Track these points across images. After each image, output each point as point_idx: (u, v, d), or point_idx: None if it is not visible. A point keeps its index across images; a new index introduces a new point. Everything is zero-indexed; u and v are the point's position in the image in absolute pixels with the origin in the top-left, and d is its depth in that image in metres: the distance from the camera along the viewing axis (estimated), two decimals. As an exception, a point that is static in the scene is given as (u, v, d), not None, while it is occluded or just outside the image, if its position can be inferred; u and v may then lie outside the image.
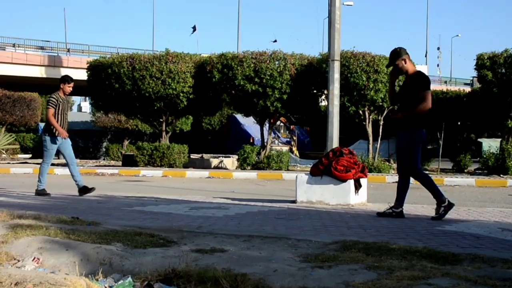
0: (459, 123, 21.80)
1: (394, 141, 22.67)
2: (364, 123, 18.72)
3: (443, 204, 6.09)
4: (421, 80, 6.08)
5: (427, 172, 18.28)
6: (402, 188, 6.37)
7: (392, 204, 6.30)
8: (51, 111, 8.33)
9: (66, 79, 8.58)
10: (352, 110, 18.03)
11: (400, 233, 4.91)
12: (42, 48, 37.67)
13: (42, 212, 5.52)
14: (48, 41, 39.06)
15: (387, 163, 18.33)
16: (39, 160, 26.27)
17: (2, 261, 3.47)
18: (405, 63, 6.12)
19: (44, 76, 34.85)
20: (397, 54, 6.15)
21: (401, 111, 6.33)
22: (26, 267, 3.37)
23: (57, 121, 8.34)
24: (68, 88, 8.55)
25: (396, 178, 15.11)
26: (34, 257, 3.55)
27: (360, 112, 18.42)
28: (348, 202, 7.18)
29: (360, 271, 3.14)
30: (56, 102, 8.40)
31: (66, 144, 8.51)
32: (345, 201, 7.18)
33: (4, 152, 25.00)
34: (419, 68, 6.82)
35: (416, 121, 6.12)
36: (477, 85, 22.99)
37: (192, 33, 45.82)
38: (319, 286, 2.92)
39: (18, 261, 3.53)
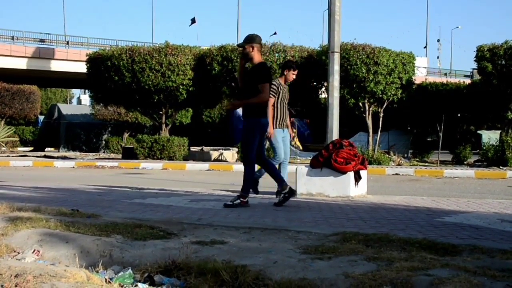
0: (459, 115, 21.78)
1: (394, 133, 22.73)
2: (364, 115, 18.71)
3: (283, 191, 6.29)
4: (263, 71, 6.20)
5: (426, 164, 18.30)
6: (247, 176, 6.35)
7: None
8: (272, 100, 7.15)
9: (291, 65, 7.54)
10: (352, 102, 18.02)
11: (400, 225, 4.91)
12: (41, 40, 37.57)
13: (42, 204, 5.52)
14: (47, 33, 38.97)
15: (387, 155, 18.34)
16: (39, 153, 26.27)
17: (2, 253, 3.48)
18: (252, 50, 6.16)
19: (44, 69, 34.78)
20: (250, 39, 6.22)
21: (239, 100, 6.50)
22: (26, 259, 3.38)
23: (276, 112, 7.27)
24: (292, 75, 7.48)
25: (396, 169, 15.16)
26: (34, 249, 3.56)
27: (360, 104, 18.41)
28: (348, 194, 7.18)
29: (360, 262, 3.14)
30: (276, 90, 7.26)
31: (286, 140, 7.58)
32: (345, 193, 7.18)
33: (3, 145, 25.00)
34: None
35: (254, 110, 6.18)
36: (477, 77, 22.96)
37: (191, 24, 45.67)
38: (319, 277, 2.92)
39: (18, 253, 3.54)
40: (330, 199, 7.03)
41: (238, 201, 6.24)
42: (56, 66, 34.65)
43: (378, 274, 2.87)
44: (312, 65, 18.26)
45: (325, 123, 8.65)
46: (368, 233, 4.04)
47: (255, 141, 6.22)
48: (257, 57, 6.20)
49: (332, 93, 8.29)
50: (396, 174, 14.76)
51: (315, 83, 19.56)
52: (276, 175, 6.44)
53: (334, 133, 8.42)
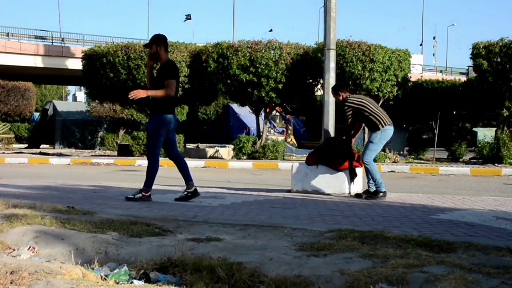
0: (454, 112, 21.81)
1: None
2: (360, 112, 18.72)
3: (188, 189, 6.45)
4: (170, 68, 6.38)
5: (422, 161, 18.33)
6: (150, 171, 6.53)
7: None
8: None
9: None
10: (347, 99, 18.02)
11: (395, 222, 4.93)
12: (38, 37, 37.43)
13: (38, 201, 5.51)
14: (42, 30, 38.84)
15: (383, 152, 18.36)
16: (35, 150, 26.11)
17: (-3, 250, 3.47)
18: (160, 50, 6.35)
19: (39, 65, 34.66)
20: (158, 39, 6.41)
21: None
22: (22, 256, 3.37)
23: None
24: None
25: (391, 167, 15.19)
26: (29, 246, 3.55)
27: (356, 101, 18.41)
28: (344, 191, 7.19)
29: (355, 260, 3.15)
30: None
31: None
32: (341, 190, 7.19)
33: (-2, 141, 24.93)
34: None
35: (158, 107, 6.34)
36: (472, 74, 22.98)
37: (186, 20, 45.53)
38: (315, 274, 2.93)
39: (14, 250, 3.53)
40: (325, 196, 7.05)
41: (140, 195, 6.40)
42: (51, 62, 34.52)
43: (373, 271, 2.87)
44: (308, 62, 18.25)
45: (320, 120, 8.65)
46: (364, 230, 4.05)
47: (159, 136, 6.40)
48: (164, 56, 6.41)
49: (328, 90, 8.27)
50: (392, 171, 14.80)
51: (310, 80, 19.55)
52: (186, 173, 6.57)
53: (330, 130, 8.41)
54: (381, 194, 6.97)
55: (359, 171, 7.47)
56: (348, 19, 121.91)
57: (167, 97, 6.24)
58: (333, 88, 7.61)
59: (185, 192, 6.49)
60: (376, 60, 17.47)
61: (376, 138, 7.18)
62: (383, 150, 19.30)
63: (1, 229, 3.86)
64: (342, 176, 7.21)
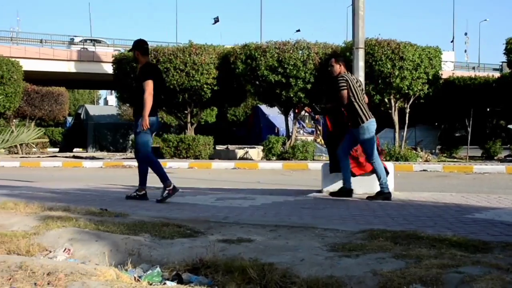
0: (488, 109, 21.38)
1: (421, 128, 22.44)
2: (390, 111, 18.52)
3: (168, 188, 6.50)
4: (143, 70, 6.65)
5: (455, 160, 18.03)
6: (142, 172, 6.80)
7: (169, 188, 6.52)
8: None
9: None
10: (377, 98, 17.85)
11: (429, 222, 4.85)
12: (69, 43, 38.16)
13: (72, 204, 5.61)
14: (74, 36, 39.57)
15: (414, 151, 18.13)
16: (68, 154, 26.63)
17: (34, 252, 3.54)
18: (138, 54, 6.72)
19: (71, 71, 35.33)
20: (134, 45, 6.80)
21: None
22: (58, 258, 3.43)
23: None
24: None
25: (423, 166, 14.99)
26: (65, 248, 3.62)
27: (386, 100, 18.23)
28: (375, 191, 7.11)
29: (388, 260, 3.11)
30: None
31: None
32: (372, 190, 7.11)
33: (34, 146, 25.47)
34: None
35: (148, 106, 6.52)
36: (506, 70, 22.52)
37: (214, 23, 45.80)
38: (347, 275, 2.91)
39: (50, 252, 3.60)
40: (357, 196, 6.99)
41: (135, 193, 6.71)
42: (83, 67, 35.14)
43: (407, 272, 2.84)
44: (337, 62, 18.13)
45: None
46: (396, 230, 4.00)
47: (146, 137, 6.62)
48: (142, 59, 6.73)
49: (358, 89, 8.21)
50: (424, 170, 14.59)
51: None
52: (143, 177, 6.82)
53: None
54: (383, 195, 6.62)
55: (391, 168, 7.33)
56: (376, 17, 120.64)
57: (147, 97, 6.47)
58: (334, 56, 7.11)
59: (166, 191, 6.54)
60: (406, 58, 17.26)
61: (367, 132, 6.71)
62: (414, 149, 19.08)
63: (38, 231, 3.94)
64: (373, 176, 7.13)
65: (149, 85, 6.50)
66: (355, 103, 6.65)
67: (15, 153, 24.52)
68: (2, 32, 39.85)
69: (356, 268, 3.00)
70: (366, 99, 7.01)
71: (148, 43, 7.04)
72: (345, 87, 6.60)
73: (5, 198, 6.08)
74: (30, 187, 8.46)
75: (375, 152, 6.75)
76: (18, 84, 23.89)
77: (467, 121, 17.74)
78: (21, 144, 23.04)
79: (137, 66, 6.99)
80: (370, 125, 6.71)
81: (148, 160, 6.74)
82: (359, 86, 6.82)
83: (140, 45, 6.75)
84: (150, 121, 6.57)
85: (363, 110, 6.69)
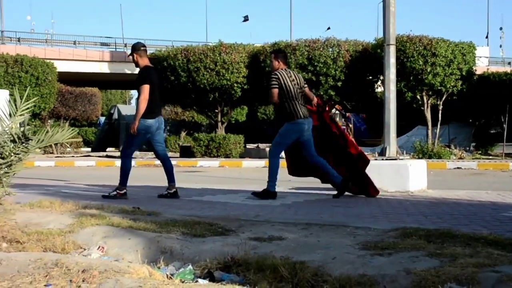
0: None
1: (454, 126, 22.05)
2: (422, 108, 18.27)
3: (169, 190, 6.78)
4: (141, 74, 6.69)
5: (490, 157, 17.65)
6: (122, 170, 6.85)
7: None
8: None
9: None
10: (409, 95, 17.63)
11: (463, 220, 4.77)
12: (103, 44, 38.77)
13: (105, 202, 5.70)
14: (107, 37, 40.21)
15: (448, 148, 17.83)
16: (101, 153, 27.10)
17: (69, 249, 3.61)
18: (137, 57, 6.73)
19: (104, 71, 35.90)
20: (133, 48, 6.81)
21: None
22: (92, 255, 3.49)
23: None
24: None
25: (457, 163, 14.73)
26: (99, 246, 3.67)
27: (418, 97, 17.98)
28: (408, 189, 7.03)
29: (421, 258, 3.06)
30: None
31: None
32: (404, 188, 7.03)
33: (68, 145, 25.97)
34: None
35: (141, 111, 6.56)
36: (543, 65, 21.92)
37: (244, 21, 45.87)
38: (379, 273, 2.87)
39: (84, 249, 3.66)
40: (389, 194, 6.91)
41: (115, 192, 6.68)
42: (115, 68, 35.66)
43: (441, 271, 2.78)
44: (367, 59, 17.98)
45: (381, 117, 8.49)
46: (430, 229, 3.94)
47: (134, 137, 6.74)
48: (141, 62, 6.75)
49: (389, 86, 8.12)
50: (458, 168, 14.34)
51: (370, 77, 19.25)
52: (170, 174, 6.97)
53: (391, 127, 8.25)
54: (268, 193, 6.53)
55: (421, 166, 7.22)
56: (408, 13, 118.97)
57: (142, 102, 6.54)
58: (274, 52, 6.98)
59: (166, 192, 6.78)
60: (439, 54, 16.99)
61: (284, 129, 6.63)
62: (448, 146, 18.76)
63: (73, 229, 4.02)
64: (405, 174, 7.05)
65: (144, 90, 6.55)
66: (286, 103, 6.52)
67: (50, 153, 25.04)
68: (38, 35, 40.72)
69: (389, 267, 2.96)
70: (314, 99, 6.88)
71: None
72: (276, 86, 6.47)
73: (41, 196, 6.22)
74: (65, 186, 8.64)
75: (278, 150, 6.80)
76: (52, 85, 24.39)
77: (503, 117, 17.36)
78: (55, 144, 23.51)
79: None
80: (297, 124, 6.53)
81: (126, 157, 6.88)
82: (296, 84, 6.59)
83: (138, 48, 6.78)
84: (148, 124, 6.64)
85: (295, 109, 6.51)
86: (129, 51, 6.99)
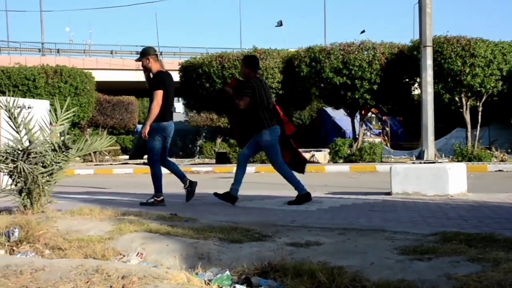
0: None
1: (495, 127, 21.53)
2: (461, 110, 17.90)
3: (156, 197, 6.77)
4: (156, 79, 6.68)
5: None
6: (153, 177, 6.92)
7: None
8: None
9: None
10: (447, 97, 17.30)
11: (506, 224, 4.65)
12: (136, 53, 39.42)
13: (143, 209, 5.79)
14: (142, 46, 40.88)
15: (488, 151, 17.41)
16: (139, 161, 27.59)
17: (109, 256, 3.67)
18: (149, 62, 6.70)
19: (140, 79, 36.43)
20: (144, 52, 6.78)
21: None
22: (131, 262, 3.54)
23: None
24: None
25: (499, 166, 14.38)
26: (137, 252, 3.72)
27: (456, 99, 17.63)
28: (447, 193, 6.89)
29: (462, 263, 3.00)
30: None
31: None
32: (444, 192, 6.90)
33: (106, 153, 26.46)
34: None
35: (153, 116, 6.60)
36: None
37: (277, 26, 45.99)
38: (419, 278, 2.83)
39: (123, 256, 3.72)
40: (427, 198, 6.79)
41: (152, 200, 6.77)
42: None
43: (483, 276, 2.72)
44: (403, 61, 17.74)
45: (419, 120, 8.38)
46: (471, 233, 3.85)
47: (154, 142, 6.73)
48: (154, 67, 6.74)
49: (426, 88, 8.02)
50: (499, 170, 13.99)
51: (407, 80, 18.99)
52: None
53: (429, 130, 8.13)
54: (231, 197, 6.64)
55: (462, 167, 7.07)
56: (444, 14, 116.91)
57: (155, 107, 6.58)
58: (245, 59, 6.87)
59: (152, 199, 6.82)
60: (478, 55, 16.63)
61: (269, 138, 6.58)
62: (489, 148, 18.32)
63: (112, 236, 4.09)
64: (444, 177, 6.92)
65: (158, 95, 6.59)
66: (260, 111, 6.52)
67: (89, 161, 25.56)
68: (76, 46, 41.74)
69: (429, 272, 2.91)
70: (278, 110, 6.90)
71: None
72: (249, 95, 6.46)
73: (81, 204, 6.35)
74: (103, 193, 8.80)
75: (280, 159, 6.71)
76: (91, 94, 24.93)
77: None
78: (94, 152, 24.00)
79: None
80: (272, 131, 6.57)
81: (154, 165, 6.93)
82: (267, 93, 6.66)
83: (151, 51, 6.82)
84: (162, 126, 6.71)
85: (266, 118, 6.56)
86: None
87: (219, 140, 31.48)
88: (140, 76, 32.80)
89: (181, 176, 7.06)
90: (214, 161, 22.95)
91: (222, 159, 21.21)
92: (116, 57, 37.88)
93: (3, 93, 16.82)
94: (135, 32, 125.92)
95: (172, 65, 33.86)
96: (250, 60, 6.82)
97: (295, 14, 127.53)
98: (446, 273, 2.85)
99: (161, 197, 6.83)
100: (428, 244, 3.60)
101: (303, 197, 6.57)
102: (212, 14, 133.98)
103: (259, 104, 6.51)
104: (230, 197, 6.71)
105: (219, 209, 6.35)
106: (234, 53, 21.19)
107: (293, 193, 6.94)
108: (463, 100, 17.70)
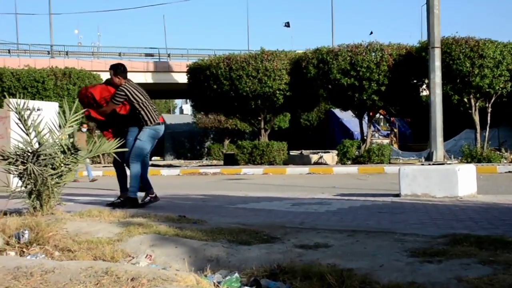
0: None
1: (504, 128, 21.41)
2: (470, 111, 17.82)
3: (151, 194, 6.82)
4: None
5: None
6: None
7: None
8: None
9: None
10: (456, 98, 17.23)
11: (516, 226, 4.61)
12: (147, 55, 39.54)
13: (152, 211, 5.80)
14: (150, 48, 40.99)
15: (498, 152, 17.32)
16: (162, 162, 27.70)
17: (118, 258, 3.68)
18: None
19: (148, 81, 36.57)
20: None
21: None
22: (140, 264, 3.55)
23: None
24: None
25: (508, 167, 14.28)
26: (146, 254, 3.73)
27: (465, 100, 17.55)
28: (456, 194, 6.86)
29: (473, 266, 2.98)
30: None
31: None
32: (453, 193, 6.86)
33: (115, 155, 26.54)
34: None
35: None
36: None
37: (284, 26, 46.01)
38: (429, 281, 2.81)
39: (133, 257, 3.72)
40: (436, 199, 6.76)
41: (148, 198, 6.82)
42: (159, 78, 36.29)
43: (495, 279, 2.70)
44: (411, 62, 17.70)
45: (427, 121, 8.32)
46: (481, 235, 3.83)
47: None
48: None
49: (434, 90, 7.96)
50: (509, 172, 13.91)
51: (415, 81, 18.94)
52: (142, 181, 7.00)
53: (438, 131, 8.07)
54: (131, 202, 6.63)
55: (471, 168, 7.04)
56: (452, 14, 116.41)
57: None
58: (113, 68, 6.98)
59: (148, 198, 6.87)
60: (486, 56, 16.55)
61: (145, 135, 6.73)
62: (498, 149, 18.22)
63: (121, 238, 4.09)
64: (454, 178, 6.89)
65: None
66: (141, 110, 6.70)
67: (97, 163, 25.66)
68: (85, 48, 41.90)
69: (439, 274, 2.89)
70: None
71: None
72: (119, 103, 6.67)
73: (90, 206, 6.37)
74: (113, 195, 8.81)
75: (140, 156, 6.77)
76: (99, 96, 25.01)
77: None
78: (103, 154, 24.09)
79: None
80: (154, 128, 6.76)
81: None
82: (142, 92, 6.82)
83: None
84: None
85: (148, 115, 6.74)
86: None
87: (227, 142, 31.53)
88: (148, 78, 32.91)
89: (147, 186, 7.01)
90: (222, 162, 22.96)
91: (230, 160, 21.23)
92: (124, 59, 37.90)
93: (13, 96, 16.90)
94: (143, 35, 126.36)
95: (179, 67, 34.00)
96: (117, 69, 6.95)
97: (302, 15, 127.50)
98: (457, 275, 2.83)
99: (154, 194, 6.93)
100: (438, 246, 3.58)
101: (129, 200, 6.69)
102: (219, 16, 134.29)
103: (138, 105, 6.73)
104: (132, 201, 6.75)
105: (228, 211, 6.35)
106: (242, 54, 21.19)
107: (303, 193, 6.94)
108: (472, 101, 17.62)
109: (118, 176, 7.12)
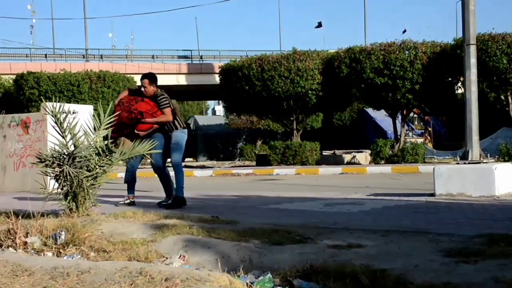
0: None
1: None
2: (507, 109, 17.41)
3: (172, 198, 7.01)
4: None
5: None
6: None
7: None
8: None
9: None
10: (492, 96, 16.85)
11: (556, 226, 4.49)
12: (180, 57, 39.93)
13: (185, 212, 5.85)
14: (183, 50, 41.40)
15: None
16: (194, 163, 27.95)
17: (152, 258, 3.73)
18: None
19: (181, 83, 36.94)
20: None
21: None
22: (174, 264, 3.58)
23: None
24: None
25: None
26: (180, 255, 3.77)
27: (502, 97, 17.16)
28: (493, 194, 6.71)
29: (511, 266, 2.91)
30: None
31: None
32: (490, 193, 6.72)
33: (148, 157, 26.86)
34: None
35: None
36: None
37: (317, 27, 45.77)
38: (465, 282, 2.76)
39: (166, 258, 3.77)
40: (472, 199, 6.63)
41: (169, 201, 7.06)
42: (191, 79, 36.61)
43: (533, 280, 2.64)
44: (446, 60, 17.39)
45: (462, 120, 8.19)
46: (519, 235, 3.74)
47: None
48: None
49: (469, 87, 7.84)
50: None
51: (450, 79, 18.60)
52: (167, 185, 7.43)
53: (474, 129, 7.93)
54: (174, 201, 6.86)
55: (509, 167, 6.87)
56: (488, 10, 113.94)
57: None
58: (147, 77, 7.07)
59: (170, 200, 7.12)
60: (524, 51, 16.15)
61: (179, 138, 7.01)
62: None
63: (155, 238, 4.15)
64: (490, 177, 6.74)
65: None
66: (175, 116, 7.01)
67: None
68: (119, 51, 42.62)
69: (476, 275, 2.84)
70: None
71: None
72: (168, 105, 6.88)
73: (124, 207, 6.47)
74: (146, 196, 8.93)
75: (181, 157, 7.10)
76: (133, 99, 25.37)
77: None
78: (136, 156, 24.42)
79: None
80: (184, 132, 7.08)
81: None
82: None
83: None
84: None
85: (178, 119, 7.05)
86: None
87: (259, 142, 31.57)
88: (181, 80, 33.28)
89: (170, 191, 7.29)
90: (254, 163, 23.00)
91: (262, 161, 21.25)
92: (157, 62, 38.42)
93: (49, 99, 17.30)
94: (176, 37, 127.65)
95: (212, 69, 34.22)
96: (152, 78, 7.10)
97: (334, 15, 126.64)
98: (494, 276, 2.77)
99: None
100: (474, 246, 3.52)
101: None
102: (251, 17, 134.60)
103: (174, 111, 7.02)
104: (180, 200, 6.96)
105: (260, 211, 6.36)
106: (274, 55, 21.20)
107: (336, 194, 6.90)
108: (509, 98, 17.20)
109: (162, 181, 7.39)
